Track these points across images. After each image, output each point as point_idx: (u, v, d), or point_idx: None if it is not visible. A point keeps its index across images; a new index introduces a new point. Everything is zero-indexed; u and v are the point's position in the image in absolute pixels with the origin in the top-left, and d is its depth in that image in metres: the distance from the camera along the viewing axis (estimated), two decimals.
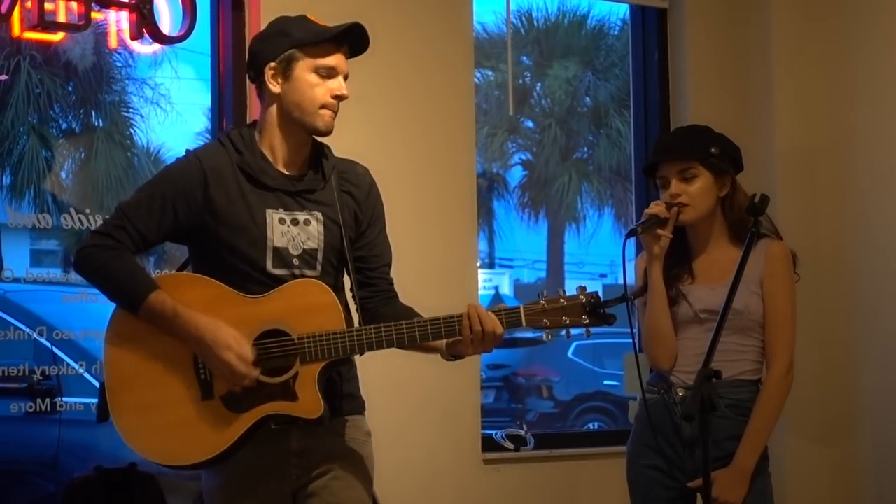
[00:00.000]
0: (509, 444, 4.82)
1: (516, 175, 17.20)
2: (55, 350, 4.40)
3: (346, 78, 2.94)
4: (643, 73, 5.37)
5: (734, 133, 3.60)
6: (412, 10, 4.69)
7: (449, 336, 2.84)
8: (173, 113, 9.96)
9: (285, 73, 2.90)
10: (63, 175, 10.78)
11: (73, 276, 4.24)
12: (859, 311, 5.04)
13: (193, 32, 4.39)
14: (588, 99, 16.44)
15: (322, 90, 2.90)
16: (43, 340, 4.37)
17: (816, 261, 4.86)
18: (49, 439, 4.63)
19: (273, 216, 2.90)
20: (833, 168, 5.14)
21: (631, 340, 3.28)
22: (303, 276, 2.90)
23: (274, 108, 2.94)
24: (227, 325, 2.80)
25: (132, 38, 4.37)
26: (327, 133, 2.95)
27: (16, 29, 4.20)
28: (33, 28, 4.22)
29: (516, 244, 17.39)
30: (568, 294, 2.86)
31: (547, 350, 11.44)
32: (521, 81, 16.21)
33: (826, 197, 5.15)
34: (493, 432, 4.84)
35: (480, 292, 4.98)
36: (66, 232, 4.65)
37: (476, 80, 5.17)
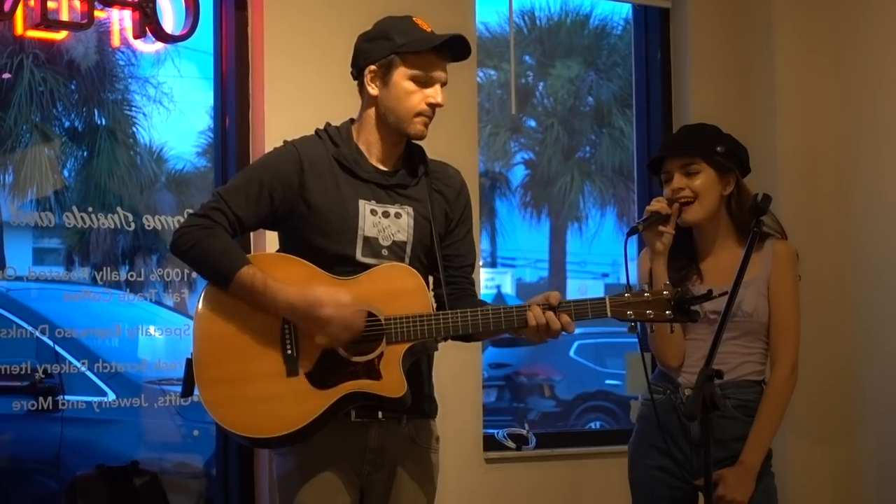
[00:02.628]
0: (511, 444, 4.81)
1: (519, 174, 17.24)
2: (57, 348, 4.40)
3: (444, 84, 2.99)
4: (646, 73, 5.36)
5: (736, 132, 3.60)
6: (414, 9, 4.65)
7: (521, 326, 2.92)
8: (176, 111, 9.95)
9: (384, 77, 2.97)
10: (66, 173, 10.78)
11: (75, 275, 4.24)
12: (861, 311, 5.04)
13: (196, 31, 4.38)
14: (590, 98, 16.47)
15: (418, 98, 2.96)
16: (45, 339, 4.37)
17: (818, 260, 4.86)
18: (51, 437, 4.63)
19: (365, 206, 2.96)
20: (835, 168, 5.14)
21: (634, 340, 3.25)
22: None
23: (371, 109, 3.01)
24: None
25: (135, 37, 4.36)
26: (419, 139, 3.02)
27: (19, 27, 4.20)
28: (36, 26, 4.21)
29: (518, 243, 17.42)
30: (653, 289, 2.95)
31: (548, 349, 11.45)
32: (523, 81, 16.23)
33: (828, 197, 5.14)
34: (495, 431, 4.83)
35: (483, 291, 4.98)
36: (69, 230, 4.66)
37: (479, 79, 5.16)
